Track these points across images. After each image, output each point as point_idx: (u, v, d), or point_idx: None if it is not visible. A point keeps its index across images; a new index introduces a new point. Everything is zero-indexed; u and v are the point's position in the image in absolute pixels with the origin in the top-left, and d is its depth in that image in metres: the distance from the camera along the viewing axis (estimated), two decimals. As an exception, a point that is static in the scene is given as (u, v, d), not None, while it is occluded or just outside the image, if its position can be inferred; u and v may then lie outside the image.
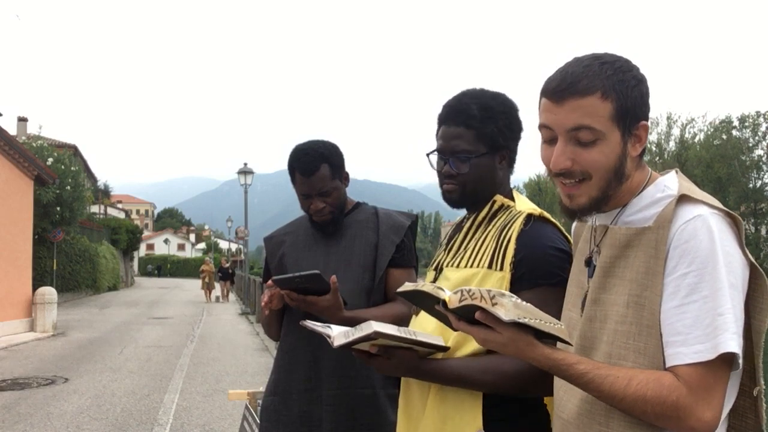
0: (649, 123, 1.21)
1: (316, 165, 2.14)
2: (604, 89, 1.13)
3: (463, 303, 1.10)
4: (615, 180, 1.18)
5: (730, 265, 1.08)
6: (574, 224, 1.43)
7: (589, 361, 1.12)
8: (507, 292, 1.10)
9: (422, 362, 1.50)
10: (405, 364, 1.47)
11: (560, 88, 1.15)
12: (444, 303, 1.14)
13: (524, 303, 1.10)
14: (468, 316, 1.13)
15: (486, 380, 1.44)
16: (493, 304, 1.07)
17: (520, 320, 1.07)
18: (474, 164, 1.61)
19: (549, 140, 1.20)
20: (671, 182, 1.20)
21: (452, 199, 1.66)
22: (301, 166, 2.16)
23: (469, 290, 1.10)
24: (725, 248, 1.09)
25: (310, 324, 1.54)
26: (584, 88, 1.13)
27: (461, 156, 1.61)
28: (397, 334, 1.42)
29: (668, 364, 1.09)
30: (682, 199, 1.13)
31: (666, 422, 1.07)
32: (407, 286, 1.28)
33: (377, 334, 1.38)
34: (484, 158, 1.62)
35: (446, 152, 1.63)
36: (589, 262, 1.26)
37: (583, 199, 1.20)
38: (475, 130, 1.61)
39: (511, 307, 1.07)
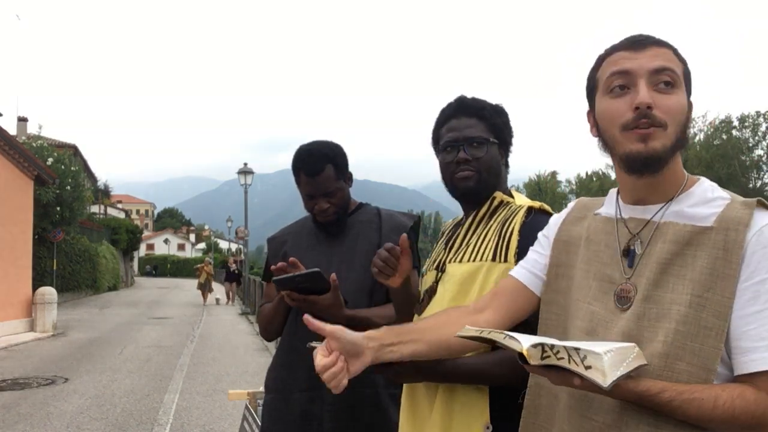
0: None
1: (321, 166, 2.14)
2: (674, 50, 1.20)
3: (547, 362, 1.02)
4: (682, 138, 1.17)
5: None
6: (564, 214, 1.39)
7: (671, 386, 1.07)
8: (594, 349, 1.00)
9: (438, 364, 1.50)
10: (421, 368, 1.48)
11: (640, 39, 1.20)
12: (521, 356, 1.03)
13: (612, 348, 1.02)
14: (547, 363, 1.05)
15: (502, 372, 1.46)
16: (587, 367, 0.98)
17: (618, 377, 1.00)
18: (489, 150, 1.68)
19: (621, 87, 1.18)
20: (713, 185, 1.21)
21: (469, 186, 1.68)
22: (306, 166, 2.15)
23: (552, 347, 1.02)
24: None
25: (318, 345, 1.51)
26: (662, 42, 1.20)
27: (478, 139, 1.68)
28: None
29: (747, 371, 1.06)
30: (759, 204, 1.13)
31: None
32: (468, 331, 1.16)
33: None
34: (495, 148, 1.70)
35: (460, 140, 1.68)
36: (628, 252, 1.21)
37: (658, 144, 1.14)
38: (487, 122, 1.70)
39: (607, 369, 0.98)
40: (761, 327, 1.05)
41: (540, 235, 1.42)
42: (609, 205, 1.30)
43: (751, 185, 41.29)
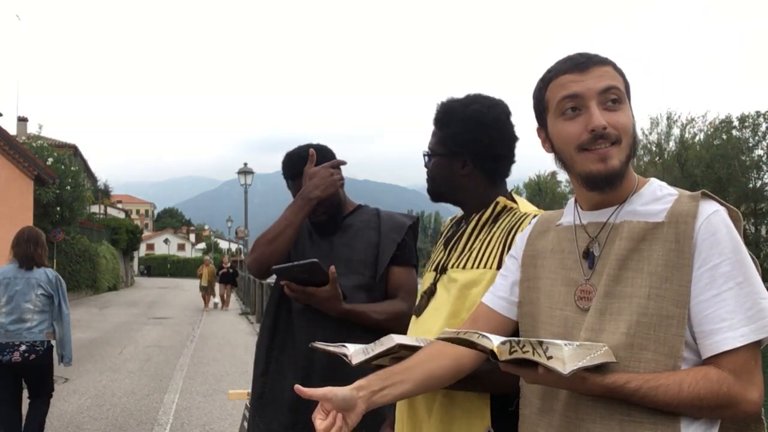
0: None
1: (300, 168, 2.19)
2: (613, 65, 1.26)
3: (514, 356, 1.08)
4: (634, 149, 1.24)
5: (748, 255, 1.16)
6: (528, 231, 1.43)
7: (637, 376, 1.13)
8: (555, 341, 1.07)
9: None
10: None
11: (582, 60, 1.25)
12: (493, 353, 1.09)
13: (575, 344, 1.09)
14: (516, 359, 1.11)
15: (503, 380, 1.42)
16: (548, 357, 1.05)
17: (578, 367, 1.06)
18: (433, 163, 1.72)
19: (573, 109, 1.23)
20: (662, 184, 1.28)
21: (427, 191, 1.78)
22: (287, 170, 2.27)
23: (518, 341, 1.08)
24: (740, 239, 1.17)
25: (322, 345, 1.50)
26: (602, 60, 1.25)
27: (426, 152, 1.75)
28: (418, 344, 1.40)
29: (713, 352, 1.12)
30: (703, 195, 1.20)
31: (721, 412, 1.13)
32: (447, 333, 1.19)
33: (400, 347, 1.36)
34: (442, 159, 1.71)
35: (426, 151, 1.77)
36: (587, 254, 1.27)
37: (616, 161, 1.21)
38: (440, 132, 1.71)
39: (567, 358, 1.05)
40: (720, 309, 1.12)
41: (507, 256, 1.47)
42: (569, 215, 1.36)
43: (751, 185, 41.25)
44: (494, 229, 1.64)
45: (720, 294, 1.13)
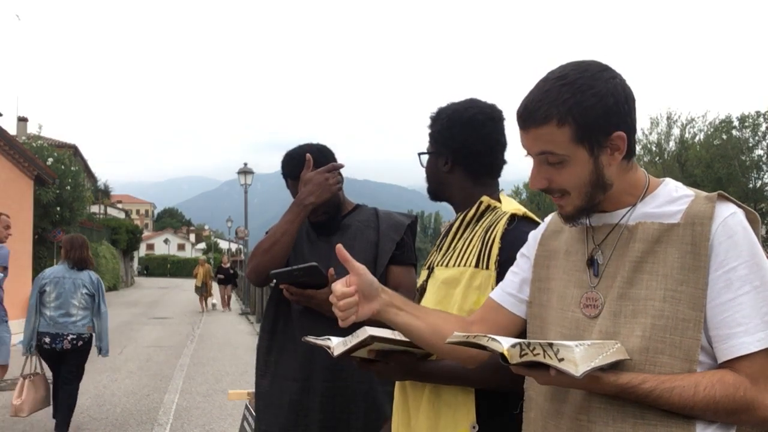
0: (634, 128, 1.22)
1: (300, 169, 2.19)
2: (559, 116, 1.17)
3: (525, 359, 1.07)
4: (596, 190, 1.22)
5: (765, 258, 1.15)
6: (541, 230, 1.43)
7: (652, 376, 1.11)
8: (566, 342, 1.06)
9: (420, 364, 1.53)
10: (403, 367, 1.52)
11: (522, 118, 1.22)
12: (503, 356, 1.08)
13: (586, 343, 1.08)
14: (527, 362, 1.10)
15: (482, 377, 1.47)
16: (560, 359, 1.04)
17: (591, 368, 1.04)
18: (426, 161, 1.80)
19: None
20: (677, 184, 1.26)
21: (426, 189, 1.83)
22: (286, 170, 2.28)
23: (529, 344, 1.07)
24: (757, 242, 1.16)
25: (311, 339, 1.56)
26: (541, 118, 1.18)
27: (420, 152, 1.81)
28: (393, 337, 1.44)
29: (729, 357, 1.11)
30: (720, 197, 1.19)
31: (738, 417, 1.11)
32: (457, 337, 1.19)
33: (372, 339, 1.40)
34: (430, 156, 1.79)
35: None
36: (591, 262, 1.26)
37: (569, 209, 1.25)
38: (431, 131, 1.78)
39: (579, 360, 1.03)
40: (737, 313, 1.11)
41: (519, 254, 1.46)
42: None
43: (751, 185, 41.23)
44: (476, 227, 1.67)
45: (736, 298, 1.11)
